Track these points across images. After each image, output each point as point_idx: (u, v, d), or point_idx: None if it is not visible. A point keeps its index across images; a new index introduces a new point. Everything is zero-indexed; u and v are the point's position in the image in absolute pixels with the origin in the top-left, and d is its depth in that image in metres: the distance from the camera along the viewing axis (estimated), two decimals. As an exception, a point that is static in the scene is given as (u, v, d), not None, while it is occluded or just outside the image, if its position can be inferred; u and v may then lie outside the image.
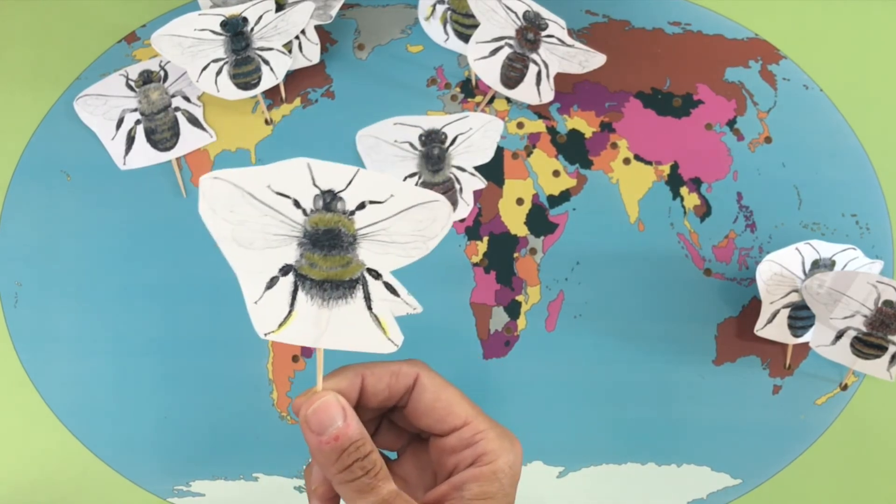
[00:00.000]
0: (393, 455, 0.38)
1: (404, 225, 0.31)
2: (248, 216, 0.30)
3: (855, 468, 0.52)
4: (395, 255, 0.32)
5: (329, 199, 0.30)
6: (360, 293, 0.32)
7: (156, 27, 0.51)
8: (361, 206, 0.31)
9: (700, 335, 0.53)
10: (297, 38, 0.55)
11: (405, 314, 0.32)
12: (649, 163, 0.56)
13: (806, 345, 0.51)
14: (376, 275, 0.32)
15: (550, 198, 0.55)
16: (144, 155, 0.55)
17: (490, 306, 0.54)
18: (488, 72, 0.54)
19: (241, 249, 0.30)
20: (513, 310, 0.54)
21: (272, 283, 0.31)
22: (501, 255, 0.54)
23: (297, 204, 0.30)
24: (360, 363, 0.33)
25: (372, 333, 0.32)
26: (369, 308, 0.32)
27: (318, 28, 0.55)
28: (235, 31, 0.52)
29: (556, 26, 0.51)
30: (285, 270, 0.31)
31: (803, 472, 0.52)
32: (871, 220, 0.55)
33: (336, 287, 0.31)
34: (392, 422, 0.37)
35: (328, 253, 0.31)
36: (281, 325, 0.31)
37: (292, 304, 0.31)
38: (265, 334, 0.31)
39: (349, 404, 0.31)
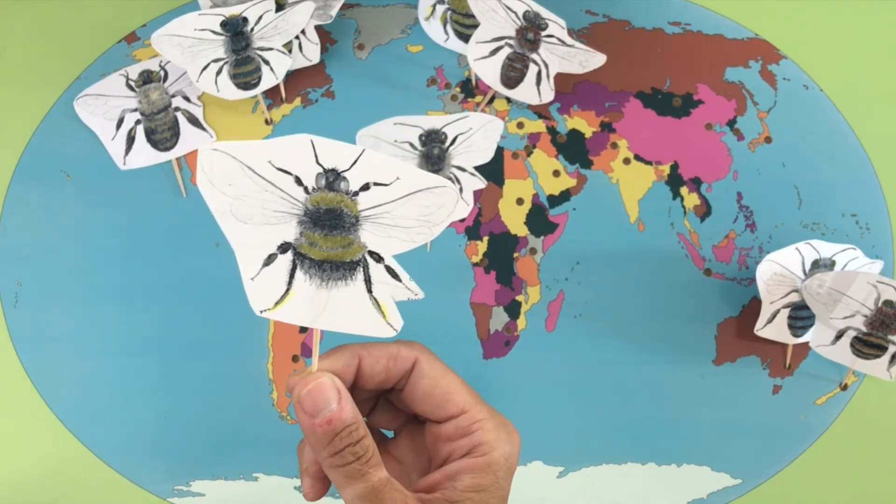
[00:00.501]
0: (390, 434, 0.37)
1: (409, 209, 0.31)
2: (247, 191, 0.29)
3: (855, 468, 0.52)
4: (399, 240, 0.31)
5: (332, 177, 0.30)
6: (360, 275, 0.31)
7: (156, 27, 0.51)
8: (366, 187, 0.30)
9: (700, 335, 0.53)
10: (297, 38, 0.55)
11: (406, 299, 0.32)
12: (649, 163, 0.56)
13: (806, 345, 0.51)
14: (378, 258, 0.31)
15: (550, 198, 0.55)
16: (144, 155, 0.55)
17: (490, 306, 0.54)
18: (488, 72, 0.54)
19: (238, 224, 0.30)
20: (513, 310, 0.54)
21: (270, 260, 0.30)
22: (501, 255, 0.54)
23: (298, 181, 0.29)
24: (358, 343, 0.33)
25: (371, 317, 0.32)
26: (369, 291, 0.31)
27: (318, 28, 0.55)
28: (235, 31, 0.52)
29: (556, 26, 0.51)
30: (284, 248, 0.30)
31: (803, 472, 0.52)
32: (871, 220, 0.55)
33: (336, 268, 0.31)
34: (390, 401, 0.36)
35: (329, 233, 0.30)
36: (277, 304, 0.31)
37: (290, 283, 0.31)
38: (261, 311, 0.31)
39: (344, 386, 0.31)
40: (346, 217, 0.30)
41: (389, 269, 0.31)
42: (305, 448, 0.33)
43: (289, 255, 0.31)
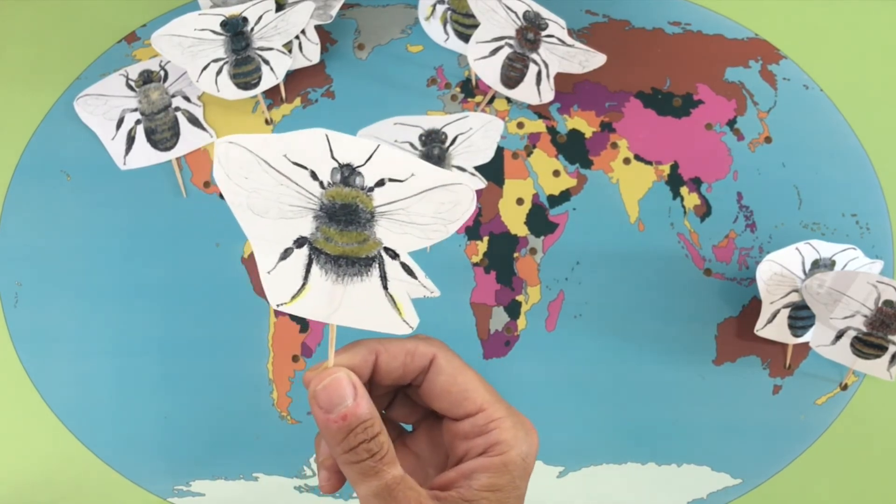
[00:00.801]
0: (409, 427, 0.37)
1: (425, 206, 0.30)
2: (263, 184, 0.29)
3: (855, 468, 0.52)
4: (414, 237, 0.31)
5: (347, 173, 0.29)
6: (376, 272, 0.31)
7: (156, 27, 0.51)
8: (381, 183, 0.30)
9: (700, 335, 0.53)
10: (297, 37, 0.55)
11: (422, 297, 0.32)
12: (649, 163, 0.56)
13: (806, 345, 0.51)
14: (393, 254, 0.31)
15: (550, 198, 0.55)
16: (144, 155, 0.55)
17: (490, 306, 0.54)
18: (488, 72, 0.54)
19: (255, 217, 0.30)
20: (513, 310, 0.54)
21: (286, 254, 0.30)
22: (501, 255, 0.54)
23: (314, 176, 0.29)
24: (375, 339, 0.33)
25: (386, 313, 0.31)
26: (385, 287, 0.31)
27: (318, 28, 0.55)
28: (235, 31, 0.52)
29: (556, 26, 0.51)
30: (300, 243, 0.30)
31: (803, 472, 0.52)
32: (871, 220, 0.55)
33: (351, 264, 0.31)
34: (408, 395, 0.36)
35: (344, 228, 0.30)
36: (294, 298, 0.31)
37: (306, 278, 0.31)
38: (277, 305, 0.31)
39: (361, 382, 0.31)
40: (362, 213, 0.30)
41: (405, 266, 0.31)
42: (322, 441, 0.33)
43: (305, 250, 0.30)
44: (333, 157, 0.29)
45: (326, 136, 0.29)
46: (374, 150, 0.29)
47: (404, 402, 0.36)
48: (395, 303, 0.31)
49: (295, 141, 0.29)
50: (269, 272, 0.30)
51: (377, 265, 0.31)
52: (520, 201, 0.55)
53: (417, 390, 0.34)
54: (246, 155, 0.28)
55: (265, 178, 0.29)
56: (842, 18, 0.59)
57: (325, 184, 0.30)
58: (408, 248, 0.31)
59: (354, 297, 0.31)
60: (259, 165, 0.29)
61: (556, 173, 0.55)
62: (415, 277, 0.31)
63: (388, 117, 0.50)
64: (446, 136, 0.50)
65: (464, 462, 0.32)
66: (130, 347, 0.53)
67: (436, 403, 0.33)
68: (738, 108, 0.56)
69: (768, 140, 0.56)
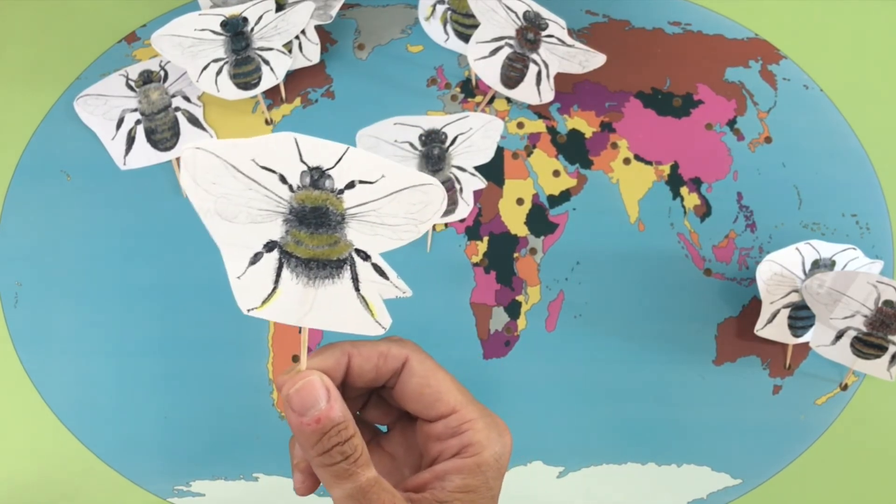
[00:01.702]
0: (384, 428, 0.37)
1: (396, 207, 0.30)
2: (232, 189, 0.29)
3: (855, 468, 0.52)
4: (385, 238, 0.31)
5: (317, 175, 0.29)
6: (347, 273, 0.31)
7: (156, 27, 0.51)
8: (351, 185, 0.30)
9: (700, 335, 0.53)
10: (297, 38, 0.55)
11: (394, 297, 0.32)
12: (649, 163, 0.56)
13: (806, 345, 0.51)
14: (365, 256, 0.31)
15: (550, 198, 0.55)
16: (144, 155, 0.55)
17: (490, 306, 0.54)
18: (488, 72, 0.54)
19: (223, 223, 0.29)
20: (513, 310, 0.54)
21: (256, 258, 0.30)
22: (501, 255, 0.54)
23: (283, 179, 0.29)
24: (348, 341, 0.33)
25: (359, 315, 0.31)
26: (357, 289, 0.31)
27: (318, 28, 0.55)
28: (235, 31, 0.52)
29: (556, 26, 0.51)
30: (270, 247, 0.30)
31: (803, 472, 0.52)
32: (871, 220, 0.55)
33: (322, 266, 0.31)
34: (383, 396, 0.36)
35: (315, 231, 0.30)
36: (264, 302, 0.31)
37: (276, 282, 0.31)
38: (248, 310, 0.31)
39: (334, 384, 0.31)
40: (332, 215, 0.30)
41: (377, 267, 0.31)
42: (296, 444, 0.33)
43: (275, 254, 0.30)
44: (302, 161, 0.29)
45: (295, 139, 0.28)
46: (344, 153, 0.29)
47: (379, 403, 0.36)
48: (367, 304, 0.31)
49: (263, 145, 0.28)
50: (238, 277, 0.30)
51: (348, 267, 0.31)
52: (520, 201, 0.55)
53: (391, 392, 0.34)
54: (213, 160, 0.28)
55: (233, 183, 0.29)
56: (842, 18, 0.59)
57: (295, 187, 0.29)
58: (379, 249, 0.31)
59: (326, 300, 0.31)
60: (227, 170, 0.28)
61: (556, 173, 0.55)
62: (386, 278, 0.31)
63: (388, 117, 0.50)
64: (446, 136, 0.50)
65: (437, 463, 0.32)
66: (130, 347, 0.53)
67: (409, 405, 0.33)
68: (738, 108, 0.56)
69: (768, 140, 0.56)
